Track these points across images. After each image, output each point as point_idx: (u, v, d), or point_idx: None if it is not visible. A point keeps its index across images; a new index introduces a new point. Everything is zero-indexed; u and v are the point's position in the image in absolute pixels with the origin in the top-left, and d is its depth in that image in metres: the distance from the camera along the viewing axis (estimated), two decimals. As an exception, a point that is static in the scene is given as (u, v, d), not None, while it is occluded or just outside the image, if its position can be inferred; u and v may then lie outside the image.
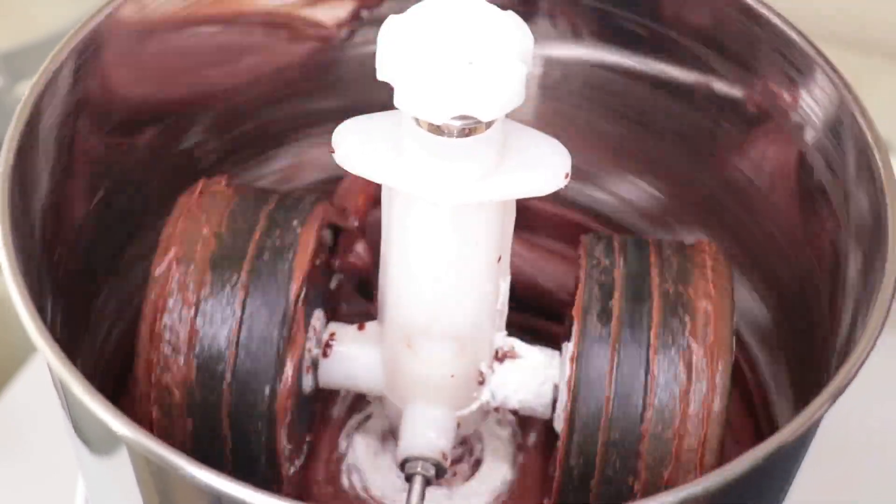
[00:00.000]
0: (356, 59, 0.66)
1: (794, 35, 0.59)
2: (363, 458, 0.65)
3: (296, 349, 0.57)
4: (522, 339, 0.60)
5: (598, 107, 0.67)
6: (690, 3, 0.62)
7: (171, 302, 0.55)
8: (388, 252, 0.56)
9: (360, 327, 0.60)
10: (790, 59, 0.59)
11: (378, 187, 0.55)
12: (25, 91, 0.55)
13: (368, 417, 0.66)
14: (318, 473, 0.65)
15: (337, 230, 0.62)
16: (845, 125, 0.57)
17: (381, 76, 0.50)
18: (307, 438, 0.64)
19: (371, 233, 0.62)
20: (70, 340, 0.57)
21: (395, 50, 0.49)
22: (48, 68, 0.55)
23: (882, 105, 0.83)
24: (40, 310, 0.50)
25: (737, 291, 0.60)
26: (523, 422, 0.66)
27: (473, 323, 0.57)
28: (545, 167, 0.53)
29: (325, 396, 0.66)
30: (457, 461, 0.64)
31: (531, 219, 0.69)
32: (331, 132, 0.53)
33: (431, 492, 0.60)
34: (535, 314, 0.68)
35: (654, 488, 0.55)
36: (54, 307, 0.55)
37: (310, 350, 0.59)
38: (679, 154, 0.66)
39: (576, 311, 0.56)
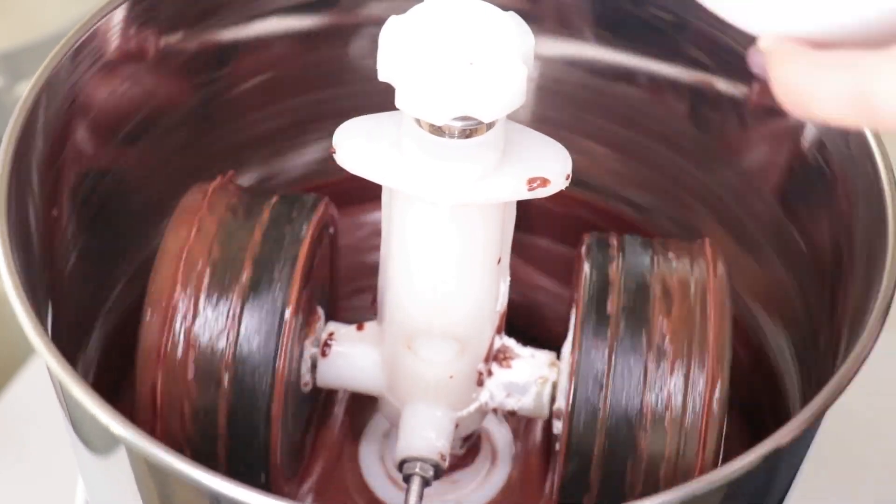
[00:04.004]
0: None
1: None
2: (363, 458, 0.65)
3: (294, 349, 0.57)
4: (521, 340, 0.60)
5: (598, 107, 0.67)
6: (691, 3, 0.62)
7: (171, 302, 0.55)
8: (387, 252, 0.56)
9: (359, 327, 0.60)
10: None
11: None
12: (25, 91, 0.55)
13: (369, 416, 0.66)
14: (318, 473, 0.65)
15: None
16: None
17: (382, 77, 0.50)
18: (306, 438, 0.64)
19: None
20: (69, 341, 0.57)
21: (396, 50, 0.49)
22: (48, 68, 0.55)
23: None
24: (38, 311, 0.50)
25: (736, 291, 0.60)
26: (522, 422, 0.66)
27: (473, 324, 0.57)
28: (545, 168, 0.52)
29: (324, 396, 0.66)
30: (455, 461, 0.64)
31: (531, 220, 0.69)
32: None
33: (430, 491, 0.60)
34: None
35: (653, 488, 0.55)
36: (53, 308, 0.55)
37: (308, 350, 0.59)
38: (679, 153, 0.66)
39: (575, 311, 0.56)
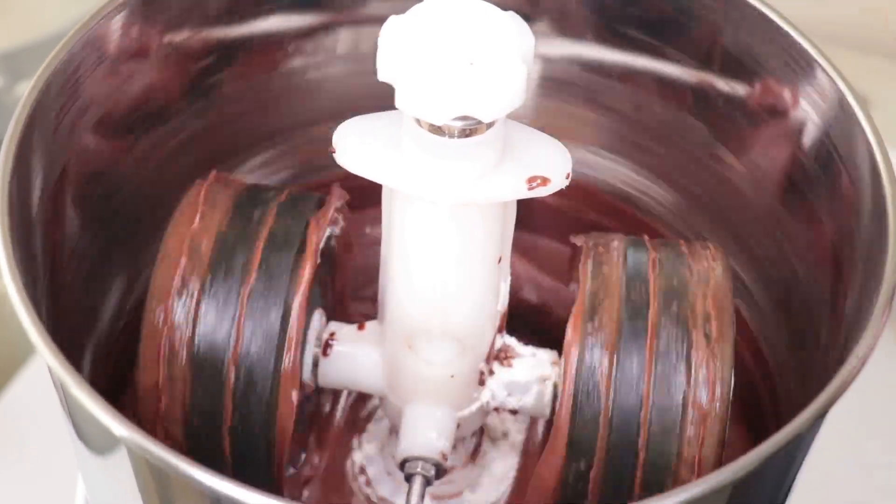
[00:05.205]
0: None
1: (795, 35, 0.59)
2: (364, 457, 0.65)
3: (296, 348, 0.57)
4: (522, 339, 0.60)
5: (599, 106, 0.67)
6: (692, 3, 0.62)
7: (173, 301, 0.55)
8: (388, 252, 0.56)
9: (360, 327, 0.60)
10: (791, 58, 0.59)
11: None
12: (25, 91, 0.54)
13: (370, 416, 0.66)
14: (319, 473, 0.65)
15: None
16: (846, 125, 0.57)
17: (381, 77, 0.50)
18: (307, 438, 0.64)
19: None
20: (70, 341, 0.57)
21: (395, 50, 0.49)
22: (48, 68, 0.55)
23: (883, 105, 0.84)
24: (39, 310, 0.50)
25: (737, 291, 0.60)
26: (523, 422, 0.66)
27: (474, 323, 0.57)
28: (546, 167, 0.52)
29: (326, 396, 0.66)
30: (456, 461, 0.64)
31: (531, 219, 0.69)
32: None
33: (432, 491, 0.60)
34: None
35: (653, 488, 0.55)
36: (53, 307, 0.55)
37: (310, 349, 0.59)
38: (680, 153, 0.66)
39: (576, 311, 0.56)
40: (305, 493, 0.64)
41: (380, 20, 0.51)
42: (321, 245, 0.58)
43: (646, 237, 0.60)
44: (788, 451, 0.48)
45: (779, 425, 0.48)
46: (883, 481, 0.77)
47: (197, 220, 0.57)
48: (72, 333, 0.58)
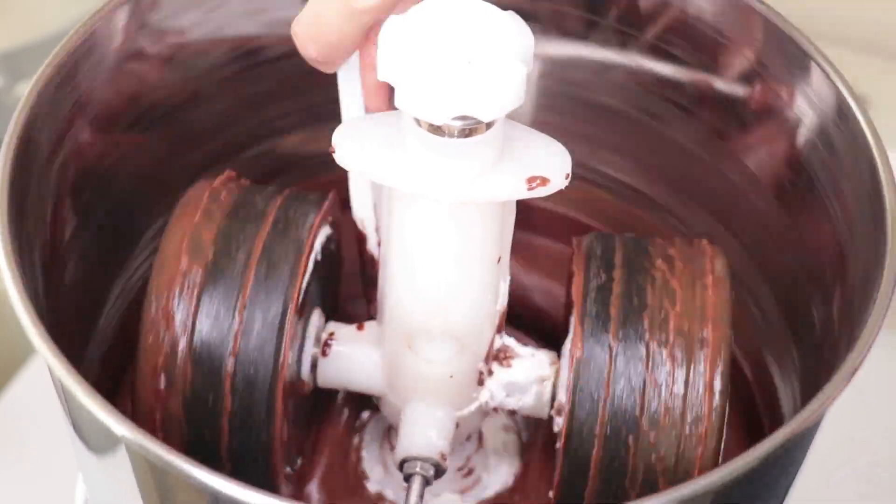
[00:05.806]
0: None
1: (794, 34, 0.59)
2: (363, 457, 0.65)
3: (295, 348, 0.57)
4: (521, 339, 0.60)
5: (598, 106, 0.67)
6: (690, 3, 0.62)
7: (172, 299, 0.55)
8: (387, 252, 0.56)
9: (360, 327, 0.60)
10: (790, 58, 0.59)
11: None
12: (25, 91, 0.55)
13: (370, 416, 0.66)
14: (320, 472, 0.65)
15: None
16: (845, 124, 0.57)
17: (381, 77, 0.50)
18: (307, 438, 0.64)
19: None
20: (69, 340, 0.56)
21: (395, 50, 0.49)
22: (48, 68, 0.55)
23: (883, 105, 0.83)
24: (39, 310, 0.50)
25: (736, 290, 0.60)
26: (523, 422, 0.66)
27: (473, 323, 0.57)
28: (545, 168, 0.52)
29: (325, 396, 0.66)
30: (457, 461, 0.64)
31: (532, 219, 0.69)
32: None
33: (432, 490, 0.60)
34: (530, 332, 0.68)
35: (652, 487, 0.55)
36: (53, 306, 0.55)
37: (309, 349, 0.59)
38: (679, 153, 0.66)
39: (574, 311, 0.56)
40: (304, 492, 0.64)
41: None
42: (320, 244, 0.58)
43: (645, 236, 0.60)
44: (787, 451, 0.48)
45: (777, 426, 0.48)
46: (883, 481, 0.77)
47: (197, 219, 0.57)
48: (71, 333, 0.58)
